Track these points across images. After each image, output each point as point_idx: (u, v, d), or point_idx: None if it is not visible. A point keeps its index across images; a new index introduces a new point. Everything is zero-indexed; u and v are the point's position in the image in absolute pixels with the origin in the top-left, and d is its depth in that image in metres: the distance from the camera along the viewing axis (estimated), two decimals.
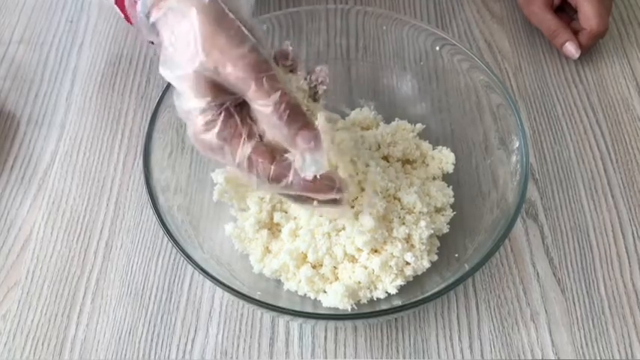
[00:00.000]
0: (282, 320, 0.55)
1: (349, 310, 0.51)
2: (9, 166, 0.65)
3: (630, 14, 0.78)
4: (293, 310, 0.47)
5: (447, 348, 0.54)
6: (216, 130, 0.43)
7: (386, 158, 0.60)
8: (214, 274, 0.48)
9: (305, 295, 0.53)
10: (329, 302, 0.52)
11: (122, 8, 0.47)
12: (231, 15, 0.42)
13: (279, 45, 0.47)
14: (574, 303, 0.56)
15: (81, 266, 0.58)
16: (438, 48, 0.62)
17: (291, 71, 0.46)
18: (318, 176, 0.44)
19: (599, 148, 0.66)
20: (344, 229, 0.53)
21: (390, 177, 0.56)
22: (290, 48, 0.46)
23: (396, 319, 0.55)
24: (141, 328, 0.55)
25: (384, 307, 0.52)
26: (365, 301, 0.53)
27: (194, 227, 0.55)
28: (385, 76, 0.66)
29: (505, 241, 0.50)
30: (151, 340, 0.54)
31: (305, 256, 0.54)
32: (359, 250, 0.52)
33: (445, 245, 0.56)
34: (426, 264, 0.53)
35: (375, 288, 0.53)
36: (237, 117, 0.43)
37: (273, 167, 0.43)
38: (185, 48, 0.42)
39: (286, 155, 0.44)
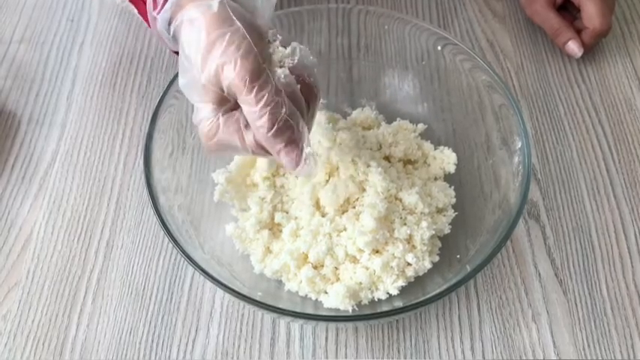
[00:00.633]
0: (283, 321, 0.55)
1: (350, 311, 0.51)
2: (10, 166, 0.64)
3: (633, 13, 0.78)
4: (294, 312, 0.47)
5: (449, 349, 0.54)
6: (220, 132, 0.44)
7: (387, 158, 0.60)
8: (215, 274, 0.47)
9: (306, 295, 0.53)
10: (330, 303, 0.51)
11: (145, 19, 0.48)
12: (237, 22, 0.42)
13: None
14: (576, 304, 0.56)
15: (81, 266, 0.58)
16: (439, 47, 0.62)
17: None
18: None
19: (601, 148, 0.66)
20: (345, 229, 0.53)
21: (392, 177, 0.56)
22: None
23: (397, 319, 0.55)
24: (141, 329, 0.55)
25: (385, 308, 0.52)
26: (366, 302, 0.52)
27: (195, 227, 0.55)
28: (387, 75, 0.66)
29: (507, 242, 0.49)
30: (152, 340, 0.54)
31: (306, 257, 0.53)
32: (360, 250, 0.52)
33: (447, 246, 0.56)
34: (428, 265, 0.53)
35: (377, 289, 0.53)
36: (235, 111, 0.44)
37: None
38: (193, 58, 0.43)
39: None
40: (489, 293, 0.57)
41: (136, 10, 0.49)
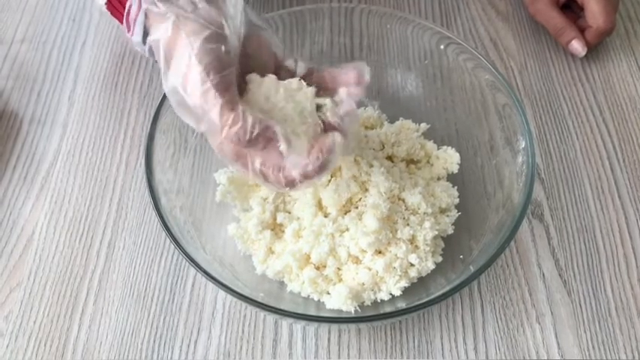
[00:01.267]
0: (285, 322, 0.55)
1: (353, 312, 0.51)
2: (11, 166, 0.64)
3: (638, 11, 0.77)
4: (296, 313, 0.46)
5: (452, 349, 0.54)
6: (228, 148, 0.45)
7: (390, 158, 0.60)
8: (216, 275, 0.47)
9: (308, 296, 0.53)
10: (332, 304, 0.51)
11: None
12: (184, 37, 0.43)
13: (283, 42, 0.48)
14: (580, 304, 0.56)
15: (83, 267, 0.58)
16: (442, 47, 0.61)
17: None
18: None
19: (605, 148, 0.65)
20: (348, 230, 0.53)
21: (394, 177, 0.55)
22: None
23: (400, 320, 0.55)
24: (143, 330, 0.54)
25: (387, 308, 0.52)
26: (369, 303, 0.52)
27: (196, 228, 0.54)
28: (389, 75, 0.65)
29: (511, 242, 0.49)
30: (154, 341, 0.54)
31: (308, 257, 0.53)
32: (363, 251, 0.52)
33: (450, 246, 0.56)
34: (431, 265, 0.53)
35: (379, 290, 0.52)
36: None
37: (282, 178, 0.45)
38: (162, 76, 0.45)
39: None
40: (493, 294, 0.56)
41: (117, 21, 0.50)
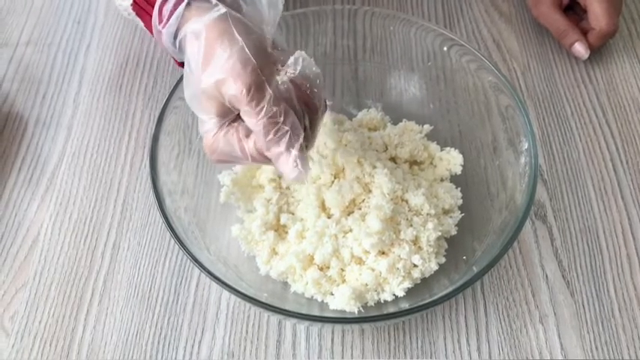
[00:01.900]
0: (289, 322, 0.55)
1: (356, 312, 0.51)
2: (17, 168, 0.65)
3: None
4: (300, 314, 0.47)
5: (455, 350, 0.54)
6: (221, 144, 0.45)
7: (393, 159, 0.60)
8: (221, 276, 0.47)
9: (312, 297, 0.53)
10: (336, 304, 0.51)
11: (151, 31, 0.49)
12: (237, 36, 0.43)
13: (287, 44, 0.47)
14: (583, 305, 0.56)
15: (88, 267, 0.58)
16: (445, 48, 0.61)
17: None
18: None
19: (608, 149, 0.65)
20: (351, 230, 0.53)
21: (398, 178, 0.56)
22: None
23: (403, 321, 0.55)
24: (148, 330, 0.55)
25: (391, 309, 0.52)
26: (372, 304, 0.52)
27: (201, 229, 0.55)
28: (392, 76, 0.65)
29: (514, 243, 0.49)
30: (158, 341, 0.54)
31: (312, 258, 0.53)
32: (366, 252, 0.52)
33: (453, 247, 0.56)
34: (434, 266, 0.53)
35: (383, 290, 0.52)
36: (235, 122, 0.45)
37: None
38: (195, 71, 0.44)
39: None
40: (496, 294, 0.56)
41: (141, 23, 0.49)
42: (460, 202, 0.58)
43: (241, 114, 0.44)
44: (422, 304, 0.47)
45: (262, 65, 0.43)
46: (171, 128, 0.55)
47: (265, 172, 0.58)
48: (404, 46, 0.64)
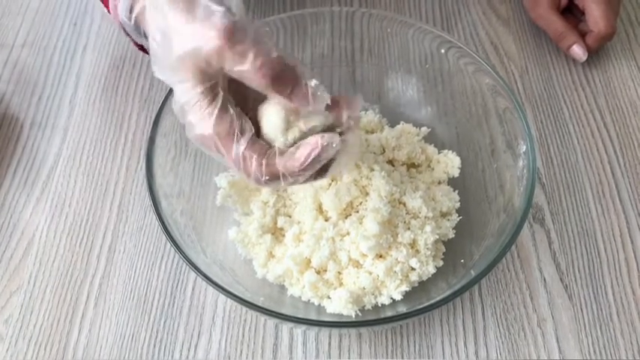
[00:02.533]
0: (285, 326, 0.55)
1: (353, 316, 0.50)
2: (12, 170, 0.64)
3: (638, 16, 0.77)
4: (296, 318, 0.46)
5: (453, 354, 0.53)
6: (211, 123, 0.41)
7: (391, 162, 0.60)
8: (217, 279, 0.47)
9: (309, 300, 0.53)
10: (333, 308, 0.51)
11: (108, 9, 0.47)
12: None
13: (284, 47, 0.46)
14: (581, 309, 0.56)
15: (84, 270, 0.58)
16: (443, 51, 0.61)
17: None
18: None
19: (606, 152, 0.65)
20: (349, 234, 0.53)
21: (395, 181, 0.55)
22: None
23: (401, 324, 0.55)
24: (143, 334, 0.54)
25: (388, 313, 0.52)
26: (369, 307, 0.52)
27: (197, 232, 0.54)
28: (390, 79, 0.65)
29: (512, 246, 0.49)
30: (154, 345, 0.54)
31: (309, 262, 0.53)
32: (363, 255, 0.52)
33: (451, 251, 0.55)
34: (432, 270, 0.53)
35: (380, 294, 0.52)
36: (232, 111, 0.42)
37: (264, 165, 0.42)
38: (164, 39, 0.41)
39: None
40: (494, 298, 0.56)
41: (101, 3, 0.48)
42: (458, 205, 0.57)
43: (228, 66, 0.40)
44: (420, 308, 0.46)
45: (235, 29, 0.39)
46: (168, 130, 0.54)
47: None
48: (401, 48, 0.64)
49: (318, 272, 0.53)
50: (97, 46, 0.74)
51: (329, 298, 0.52)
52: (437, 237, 0.54)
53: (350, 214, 0.54)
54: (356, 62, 0.66)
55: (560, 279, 0.57)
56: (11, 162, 0.65)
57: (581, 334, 0.54)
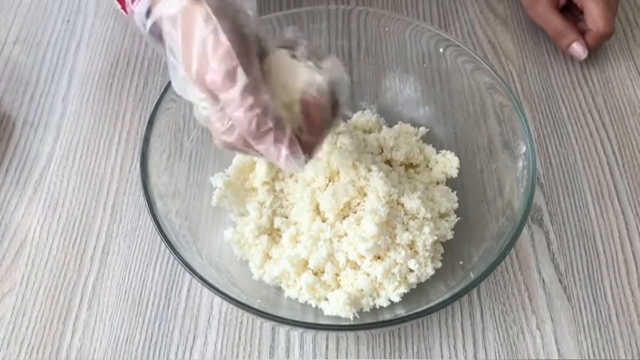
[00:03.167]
0: (282, 328, 0.54)
1: (351, 318, 0.50)
2: (4, 169, 0.63)
3: (637, 15, 0.77)
4: (293, 321, 0.46)
5: (451, 356, 0.53)
6: (234, 137, 0.43)
7: (389, 162, 0.59)
8: (212, 281, 0.46)
9: (306, 302, 0.52)
10: (331, 310, 0.51)
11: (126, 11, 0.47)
12: (213, 19, 0.40)
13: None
14: (580, 310, 0.55)
15: (77, 272, 0.57)
16: (441, 49, 0.61)
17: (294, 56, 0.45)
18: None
19: (605, 152, 0.65)
20: (346, 235, 0.52)
21: (393, 182, 0.55)
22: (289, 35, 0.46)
23: (399, 327, 0.54)
24: (138, 336, 0.54)
25: (387, 315, 0.51)
26: (367, 309, 0.51)
27: (192, 233, 0.54)
28: (388, 78, 0.65)
29: (511, 249, 0.48)
30: (149, 348, 0.53)
31: (306, 263, 0.52)
32: (361, 256, 0.51)
33: (449, 252, 0.55)
34: (430, 271, 0.52)
35: (378, 296, 0.52)
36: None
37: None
38: (178, 60, 0.42)
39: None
40: (492, 299, 0.56)
41: (119, 5, 0.48)
42: (456, 205, 0.57)
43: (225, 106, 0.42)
44: (418, 312, 0.46)
45: (238, 47, 0.40)
46: (163, 130, 0.54)
47: (259, 175, 0.57)
48: (399, 46, 0.63)
49: (315, 274, 0.52)
50: (91, 44, 0.73)
51: (326, 300, 0.52)
52: (435, 238, 0.53)
53: (347, 215, 0.53)
54: (353, 61, 0.66)
55: (559, 280, 0.57)
56: (3, 161, 0.64)
57: (580, 336, 0.54)
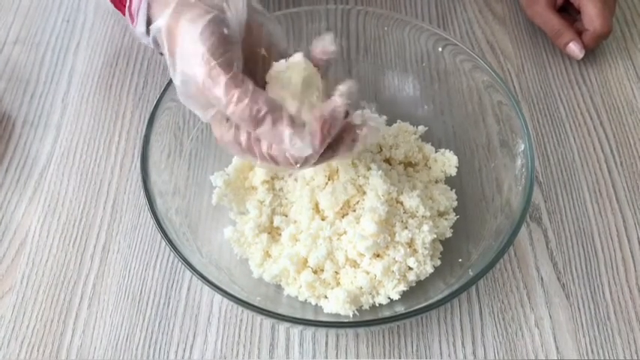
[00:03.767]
0: (282, 326, 0.54)
1: (351, 316, 0.50)
2: (4, 169, 0.63)
3: (634, 14, 0.77)
4: (293, 318, 0.46)
5: (450, 354, 0.53)
6: (231, 137, 0.45)
7: (388, 161, 0.59)
8: (213, 279, 0.47)
9: (306, 300, 0.53)
10: (330, 308, 0.51)
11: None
12: (185, 25, 0.42)
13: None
14: (579, 308, 0.55)
15: (77, 270, 0.57)
16: (440, 49, 0.61)
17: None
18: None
19: (603, 151, 0.65)
20: (346, 233, 0.52)
21: (392, 180, 0.55)
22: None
23: (398, 324, 0.54)
24: (138, 334, 0.54)
25: (386, 313, 0.51)
26: (367, 307, 0.52)
27: (192, 231, 0.54)
28: (386, 77, 0.65)
29: (509, 247, 0.49)
30: (149, 346, 0.53)
31: (306, 261, 0.53)
32: (361, 254, 0.52)
33: (448, 250, 0.55)
34: (429, 269, 0.53)
35: (378, 293, 0.52)
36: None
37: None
38: (173, 64, 0.44)
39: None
40: (491, 297, 0.56)
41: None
42: (455, 204, 0.57)
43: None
44: (417, 309, 0.46)
45: (214, 49, 0.42)
46: (163, 129, 0.54)
47: (258, 174, 0.57)
48: (398, 46, 0.64)
49: (315, 272, 0.52)
50: (90, 44, 0.73)
51: (326, 297, 0.52)
52: (434, 236, 0.53)
53: (347, 214, 0.54)
54: (352, 60, 0.66)
55: (558, 278, 0.57)
56: (3, 161, 0.64)
57: (578, 334, 0.54)
